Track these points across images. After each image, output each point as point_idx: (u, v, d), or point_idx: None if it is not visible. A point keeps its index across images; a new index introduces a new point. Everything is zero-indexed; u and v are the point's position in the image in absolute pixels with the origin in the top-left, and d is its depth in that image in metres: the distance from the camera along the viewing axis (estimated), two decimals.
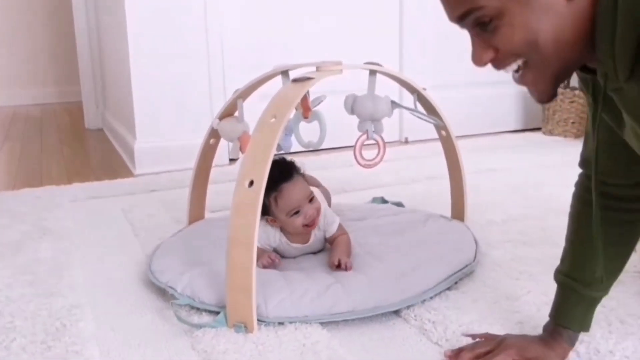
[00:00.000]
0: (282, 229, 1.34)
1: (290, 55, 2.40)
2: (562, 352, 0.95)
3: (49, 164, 2.61)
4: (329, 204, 1.56)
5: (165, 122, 2.42)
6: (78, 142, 3.18)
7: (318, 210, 1.31)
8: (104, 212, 1.87)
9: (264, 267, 1.27)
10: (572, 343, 0.96)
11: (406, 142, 2.85)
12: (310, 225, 1.30)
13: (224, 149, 2.37)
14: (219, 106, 2.22)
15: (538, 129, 3.08)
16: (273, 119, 1.16)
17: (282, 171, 1.29)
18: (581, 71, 0.77)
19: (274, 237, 1.34)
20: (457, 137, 1.55)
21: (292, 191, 1.27)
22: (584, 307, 0.96)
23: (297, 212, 1.28)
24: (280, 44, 2.56)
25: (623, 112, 0.72)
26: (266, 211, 1.29)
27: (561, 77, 0.72)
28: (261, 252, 1.30)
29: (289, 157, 1.36)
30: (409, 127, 2.84)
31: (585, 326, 0.97)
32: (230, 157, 2.50)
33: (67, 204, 1.94)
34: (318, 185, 1.56)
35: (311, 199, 1.30)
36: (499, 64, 0.72)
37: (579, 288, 0.95)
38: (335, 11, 2.66)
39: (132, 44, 2.33)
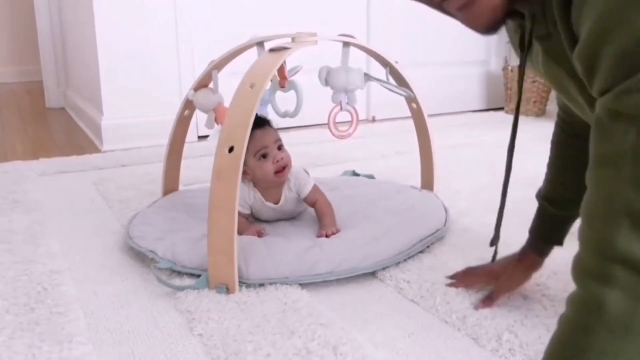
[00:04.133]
0: (255, 185, 1.37)
1: (258, 30, 2.40)
2: (530, 262, 1.09)
3: (12, 141, 2.56)
4: None
5: (132, 98, 2.40)
6: (40, 120, 3.12)
7: (287, 159, 1.35)
8: (74, 185, 1.86)
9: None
10: (544, 254, 1.08)
11: (373, 120, 2.90)
12: (279, 171, 1.34)
13: (192, 124, 2.37)
14: (188, 83, 2.21)
15: (500, 108, 3.17)
16: (251, 87, 1.18)
17: (256, 122, 1.33)
18: (510, 18, 0.78)
19: (249, 195, 1.38)
20: None
21: (260, 134, 1.33)
22: (557, 225, 1.07)
23: (265, 156, 1.33)
24: (247, 20, 2.56)
25: (551, 64, 0.76)
26: None
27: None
28: (246, 225, 1.33)
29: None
30: (376, 106, 2.88)
31: (556, 241, 1.08)
32: (199, 135, 2.50)
33: (36, 177, 1.92)
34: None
35: (280, 147, 1.35)
36: None
37: (552, 209, 1.06)
38: None
39: (98, 19, 2.30)
